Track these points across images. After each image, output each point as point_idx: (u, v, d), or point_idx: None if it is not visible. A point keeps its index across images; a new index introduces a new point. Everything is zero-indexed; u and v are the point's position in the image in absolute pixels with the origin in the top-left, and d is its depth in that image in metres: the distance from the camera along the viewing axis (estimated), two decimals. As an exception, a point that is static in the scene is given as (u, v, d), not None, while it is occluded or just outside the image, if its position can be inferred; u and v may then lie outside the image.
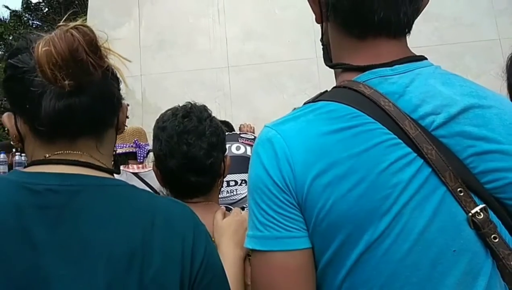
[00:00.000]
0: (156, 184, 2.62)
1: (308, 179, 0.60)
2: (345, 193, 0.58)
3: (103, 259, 0.55)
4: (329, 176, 0.59)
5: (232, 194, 2.01)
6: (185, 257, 0.60)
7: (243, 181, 2.00)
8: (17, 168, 4.00)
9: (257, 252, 0.63)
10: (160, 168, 1.07)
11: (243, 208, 1.98)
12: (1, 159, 4.01)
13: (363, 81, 0.66)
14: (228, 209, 1.57)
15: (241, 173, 1.99)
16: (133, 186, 0.66)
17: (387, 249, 0.58)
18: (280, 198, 0.61)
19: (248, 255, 0.97)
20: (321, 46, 0.84)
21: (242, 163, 1.97)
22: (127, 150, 2.64)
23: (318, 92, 0.71)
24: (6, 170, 3.88)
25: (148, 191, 0.68)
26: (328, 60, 0.82)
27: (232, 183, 2.02)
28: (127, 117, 0.77)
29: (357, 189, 0.58)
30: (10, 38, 11.41)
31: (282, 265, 0.60)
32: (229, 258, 0.92)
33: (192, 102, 1.11)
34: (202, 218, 1.02)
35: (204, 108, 1.11)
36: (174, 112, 1.07)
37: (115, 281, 0.55)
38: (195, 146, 1.02)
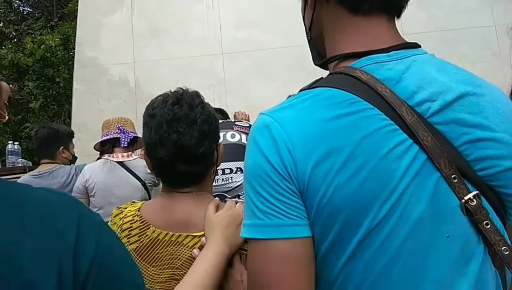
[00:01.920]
0: (141, 173, 2.61)
1: (309, 166, 0.59)
2: (347, 180, 0.57)
3: None
4: (330, 163, 0.58)
5: (227, 182, 2.01)
6: (65, 260, 0.49)
7: (239, 169, 1.99)
8: (9, 156, 3.98)
9: (256, 241, 0.61)
10: (151, 157, 1.04)
11: (238, 196, 1.99)
12: (14, 149, 3.96)
13: (360, 67, 0.65)
14: (223, 198, 1.57)
15: (236, 161, 1.99)
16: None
17: (386, 235, 0.58)
18: (282, 185, 0.60)
19: (243, 250, 0.95)
20: (308, 42, 0.82)
21: (237, 151, 1.96)
22: (112, 137, 2.62)
23: (312, 80, 0.70)
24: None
25: (19, 184, 0.56)
26: (317, 56, 0.81)
27: (227, 171, 2.01)
28: (5, 103, 0.70)
29: (358, 176, 0.57)
30: (1, 24, 11.24)
31: (283, 254, 0.59)
32: (210, 252, 0.89)
33: (184, 88, 1.07)
34: (193, 210, 1.00)
35: (196, 94, 1.06)
36: (164, 99, 1.03)
37: None
38: (185, 135, 0.98)
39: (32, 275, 0.46)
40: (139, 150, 2.91)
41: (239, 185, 1.99)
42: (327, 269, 0.62)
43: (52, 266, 0.48)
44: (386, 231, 0.58)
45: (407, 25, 3.43)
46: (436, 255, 0.58)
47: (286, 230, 0.59)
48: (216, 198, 1.07)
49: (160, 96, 1.06)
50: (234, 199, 1.90)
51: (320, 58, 0.80)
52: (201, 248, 0.94)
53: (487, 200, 0.61)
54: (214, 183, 1.99)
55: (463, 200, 0.59)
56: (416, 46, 0.70)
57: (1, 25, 11.20)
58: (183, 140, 0.98)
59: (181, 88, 1.07)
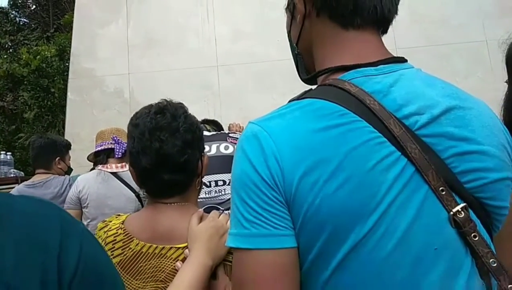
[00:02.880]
0: (135, 184, 2.59)
1: (296, 177, 0.59)
2: (333, 192, 0.57)
3: None
4: (317, 174, 0.58)
5: (220, 193, 2.00)
6: (49, 269, 0.48)
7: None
8: (2, 166, 3.95)
9: (240, 251, 0.61)
10: (134, 166, 1.04)
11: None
12: (7, 159, 3.93)
13: (348, 80, 0.66)
14: (216, 210, 1.55)
15: (229, 173, 1.98)
16: None
17: (372, 248, 0.58)
18: (268, 195, 0.60)
19: (226, 261, 0.95)
20: (294, 57, 0.83)
21: (230, 163, 1.95)
22: (106, 147, 2.61)
23: (303, 92, 0.71)
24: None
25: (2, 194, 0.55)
26: (304, 70, 0.82)
27: (220, 182, 2.01)
28: None
29: (345, 187, 0.57)
30: (-3, 35, 11.24)
31: (268, 264, 0.59)
32: (193, 264, 0.88)
33: (168, 100, 1.07)
34: (176, 222, 0.99)
35: (180, 106, 1.06)
36: (148, 109, 1.04)
37: None
38: (168, 143, 0.98)
39: (14, 282, 0.45)
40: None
41: (231, 197, 1.99)
42: (312, 280, 0.62)
43: (35, 275, 0.47)
44: (372, 244, 0.58)
45: (400, 39, 3.48)
46: (424, 268, 0.58)
47: (272, 240, 0.59)
48: (200, 209, 1.06)
49: (145, 107, 1.06)
50: (227, 207, 1.90)
51: (307, 72, 0.81)
52: (184, 260, 0.93)
53: (475, 213, 0.61)
54: (207, 195, 1.99)
55: (451, 212, 0.59)
56: (403, 60, 0.71)
57: (-3, 35, 11.20)
58: (165, 148, 0.98)
59: (165, 99, 1.07)
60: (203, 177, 1.11)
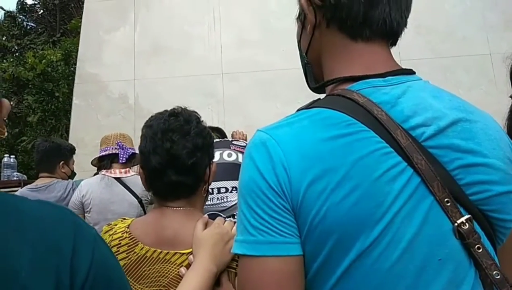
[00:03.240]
0: (138, 189, 2.59)
1: (303, 185, 0.59)
2: (340, 200, 0.58)
3: None
4: (324, 183, 0.58)
5: (222, 201, 2.00)
6: (62, 273, 0.49)
7: (234, 188, 1.99)
8: (5, 169, 3.96)
9: (246, 258, 0.61)
10: (144, 167, 1.06)
11: (233, 215, 1.98)
12: (10, 163, 3.94)
13: (357, 90, 0.67)
14: (216, 216, 1.56)
15: (232, 180, 1.99)
16: None
17: (377, 258, 0.58)
18: (275, 202, 0.60)
19: (231, 268, 0.95)
20: (303, 67, 0.83)
21: (233, 170, 1.96)
22: (110, 152, 2.61)
23: (311, 101, 0.72)
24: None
25: (15, 196, 0.57)
26: (313, 80, 0.83)
27: (222, 190, 2.01)
28: (4, 119, 0.71)
29: (351, 197, 0.58)
30: (4, 38, 11.34)
31: (274, 271, 0.59)
32: (198, 270, 0.88)
33: (183, 107, 1.11)
34: (181, 227, 1.00)
35: (194, 113, 1.10)
36: (163, 113, 1.08)
37: None
38: (178, 144, 1.01)
39: (29, 284, 0.47)
40: (137, 166, 2.91)
41: (234, 204, 1.99)
42: (317, 288, 0.62)
43: (50, 277, 0.48)
44: (377, 253, 0.58)
45: (404, 51, 3.49)
46: (427, 278, 0.59)
47: (278, 247, 0.60)
48: (205, 215, 1.07)
49: (160, 112, 1.09)
50: (230, 214, 1.90)
51: (316, 82, 0.82)
52: (188, 266, 0.93)
53: (479, 225, 0.62)
54: (209, 202, 1.99)
55: (456, 224, 0.59)
56: (411, 72, 0.71)
57: (3, 39, 11.29)
58: (175, 148, 1.00)
59: (180, 106, 1.11)
60: (210, 184, 1.12)
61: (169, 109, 1.11)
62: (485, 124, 0.66)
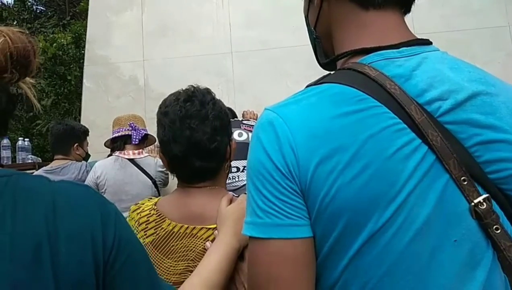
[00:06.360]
0: (151, 170, 2.62)
1: (311, 165, 0.57)
2: (350, 180, 0.56)
3: (5, 258, 0.50)
4: (334, 162, 0.57)
5: (234, 180, 2.00)
6: (96, 240, 0.56)
7: (245, 168, 1.99)
8: (20, 152, 4.02)
9: (255, 240, 0.61)
10: (165, 154, 1.07)
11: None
12: (24, 146, 4.02)
13: (368, 63, 0.64)
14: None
15: (243, 160, 1.99)
16: (24, 173, 0.61)
17: (390, 239, 0.57)
18: (283, 184, 0.59)
19: None
20: (312, 42, 0.80)
21: (244, 150, 1.95)
22: (123, 134, 2.63)
23: (320, 77, 0.70)
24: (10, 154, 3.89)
25: (44, 177, 0.62)
26: (323, 55, 0.80)
27: (234, 169, 2.01)
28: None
29: (362, 176, 0.56)
30: (14, 23, 11.36)
31: (281, 254, 0.58)
32: (220, 245, 0.90)
33: (195, 86, 1.10)
34: (207, 204, 1.02)
35: (207, 91, 1.10)
36: (176, 97, 1.07)
37: (24, 278, 0.50)
38: (198, 131, 1.01)
39: (69, 261, 0.54)
40: (150, 147, 2.93)
41: (245, 184, 1.99)
42: (328, 271, 0.61)
43: (87, 251, 0.55)
44: (390, 234, 0.56)
45: (419, 25, 3.39)
46: (442, 260, 0.57)
47: (286, 230, 0.59)
48: (230, 193, 1.08)
49: (172, 94, 1.09)
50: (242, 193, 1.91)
51: (326, 57, 0.79)
52: (213, 240, 0.95)
53: (498, 204, 0.59)
54: (222, 182, 2.00)
55: (473, 203, 0.57)
56: (427, 42, 0.68)
57: (14, 23, 11.31)
58: (196, 136, 1.00)
59: (192, 85, 1.10)
60: (231, 161, 1.14)
61: (178, 89, 1.10)
62: (507, 97, 0.61)
